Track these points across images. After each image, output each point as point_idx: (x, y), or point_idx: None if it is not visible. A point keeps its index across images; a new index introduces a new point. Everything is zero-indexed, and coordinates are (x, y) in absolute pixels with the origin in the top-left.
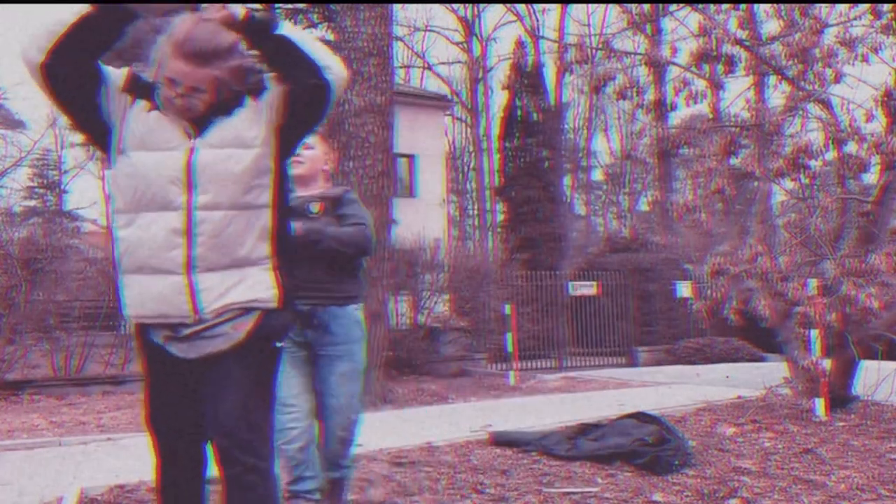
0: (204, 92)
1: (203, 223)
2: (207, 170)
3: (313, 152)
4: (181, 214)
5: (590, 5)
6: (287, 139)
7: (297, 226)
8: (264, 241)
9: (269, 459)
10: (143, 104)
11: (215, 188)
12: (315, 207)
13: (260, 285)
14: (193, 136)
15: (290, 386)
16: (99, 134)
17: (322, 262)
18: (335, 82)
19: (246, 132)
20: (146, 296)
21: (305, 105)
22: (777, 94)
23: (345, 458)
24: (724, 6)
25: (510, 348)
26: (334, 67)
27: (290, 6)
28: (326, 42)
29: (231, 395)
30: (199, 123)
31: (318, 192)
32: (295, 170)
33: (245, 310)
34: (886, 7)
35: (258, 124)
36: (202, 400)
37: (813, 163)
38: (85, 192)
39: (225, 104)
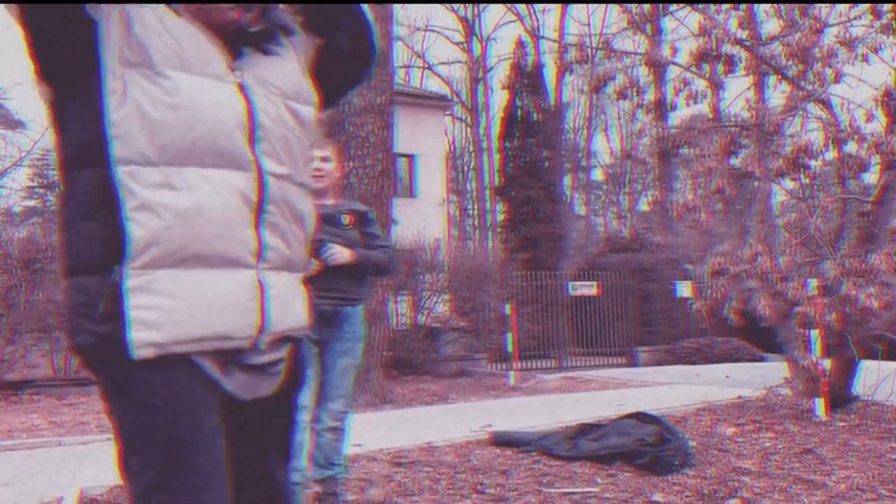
0: None
1: (273, 194)
2: (268, 119)
3: (332, 165)
4: (252, 177)
5: (590, 5)
6: None
7: (346, 251)
8: (306, 242)
9: None
10: (159, 8)
11: (281, 147)
12: (346, 219)
13: (304, 303)
14: (232, 68)
15: None
16: (70, 34)
17: (344, 270)
18: (377, 51)
19: (302, 80)
20: (200, 303)
21: (342, 71)
22: (777, 94)
23: (338, 455)
24: (724, 6)
25: (510, 348)
26: (377, 34)
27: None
28: None
29: (278, 448)
30: (233, 47)
31: (341, 203)
32: (316, 183)
33: (287, 337)
34: (886, 7)
35: (304, 75)
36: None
37: (813, 163)
38: None
39: (261, 30)
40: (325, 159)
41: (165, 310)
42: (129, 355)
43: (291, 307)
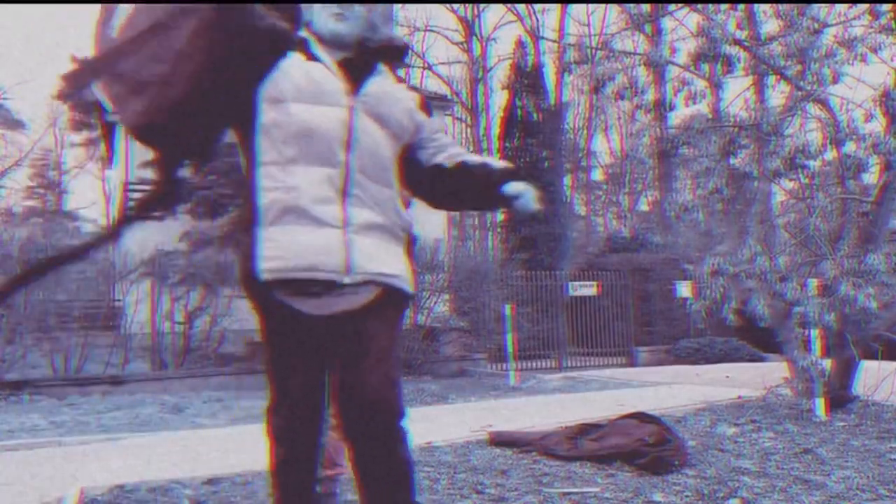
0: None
1: (358, 185)
2: (364, 136)
3: None
4: (340, 171)
5: (590, 5)
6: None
7: None
8: (402, 227)
9: (405, 418)
10: (296, 56)
11: (368, 154)
12: None
13: (402, 264)
14: (351, 93)
15: None
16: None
17: None
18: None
19: (395, 101)
20: (297, 246)
21: None
22: (776, 94)
23: (339, 455)
24: (724, 6)
25: (510, 348)
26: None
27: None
28: None
29: (372, 354)
30: (352, 72)
31: None
32: None
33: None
34: (885, 7)
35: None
36: (330, 361)
37: (811, 163)
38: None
39: (366, 59)
40: None
41: (270, 250)
42: (257, 277)
43: (377, 259)
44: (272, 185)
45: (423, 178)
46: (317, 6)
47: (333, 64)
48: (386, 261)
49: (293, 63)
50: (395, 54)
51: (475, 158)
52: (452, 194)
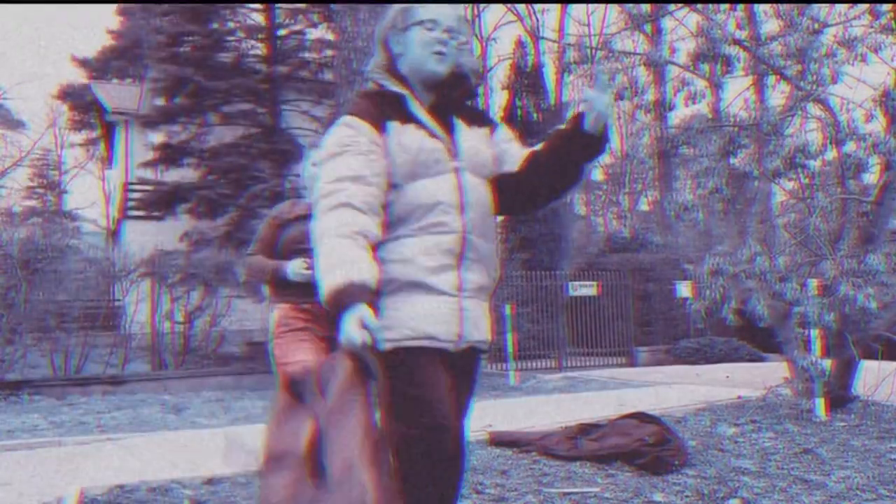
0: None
1: (472, 247)
2: (473, 195)
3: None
4: (457, 238)
5: (590, 5)
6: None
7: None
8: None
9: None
10: (397, 126)
11: (478, 212)
12: None
13: (488, 322)
14: (453, 153)
15: None
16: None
17: None
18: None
19: (482, 142)
20: (417, 316)
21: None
22: (776, 94)
23: None
24: (723, 6)
25: (510, 348)
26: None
27: (290, 6)
28: (326, 42)
29: (454, 408)
30: (442, 119)
31: None
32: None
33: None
34: (885, 7)
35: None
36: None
37: (811, 162)
38: (85, 193)
39: (447, 99)
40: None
41: (393, 318)
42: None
43: (479, 326)
44: (389, 256)
45: (505, 192)
46: (417, 47)
47: (431, 121)
48: (483, 326)
49: (397, 138)
50: (471, 84)
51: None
52: (533, 185)
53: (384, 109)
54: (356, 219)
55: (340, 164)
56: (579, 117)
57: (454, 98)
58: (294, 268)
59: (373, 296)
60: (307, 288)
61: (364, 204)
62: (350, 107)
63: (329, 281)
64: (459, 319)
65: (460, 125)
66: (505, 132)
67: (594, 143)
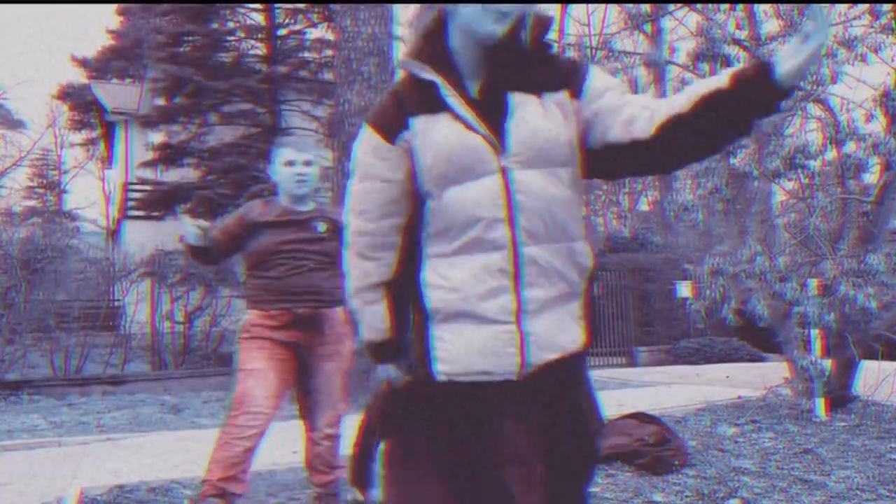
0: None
1: (531, 261)
2: (527, 198)
3: (314, 169)
4: (508, 254)
5: (590, 5)
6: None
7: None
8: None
9: None
10: (424, 121)
11: (540, 218)
12: (323, 227)
13: (579, 327)
14: (497, 148)
15: (266, 386)
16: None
17: (320, 269)
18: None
19: (557, 127)
20: (469, 349)
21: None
22: None
23: (336, 458)
24: (723, 6)
25: None
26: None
27: (290, 6)
28: (326, 42)
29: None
30: (487, 107)
31: (320, 210)
32: (300, 189)
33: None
34: (885, 7)
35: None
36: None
37: (811, 162)
38: (85, 193)
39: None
40: (307, 163)
41: (447, 351)
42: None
43: (554, 343)
44: (437, 281)
45: (626, 158)
46: (478, 6)
47: (468, 110)
48: (562, 339)
49: (424, 135)
50: (540, 34)
51: (693, 90)
52: (677, 150)
53: (409, 104)
54: (367, 268)
55: (359, 196)
56: (765, 66)
57: (511, 63)
58: (188, 226)
59: (394, 345)
60: (276, 295)
61: (375, 247)
62: (374, 108)
63: (360, 339)
64: (520, 347)
65: (520, 102)
66: (599, 81)
67: (779, 95)
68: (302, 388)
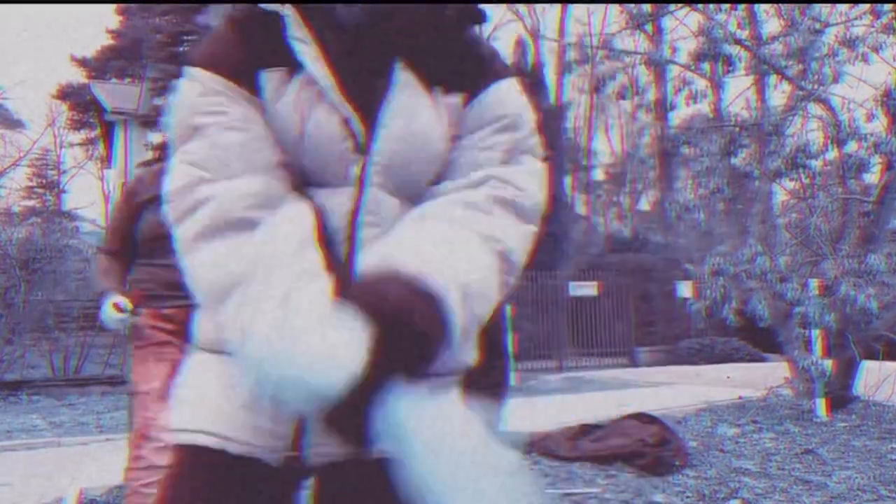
0: None
1: None
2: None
3: None
4: None
5: (590, 5)
6: None
7: None
8: None
9: None
10: (271, 81)
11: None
12: None
13: None
14: (361, 145)
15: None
16: None
17: None
18: None
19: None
20: None
21: None
22: (777, 94)
23: None
24: (724, 6)
25: (510, 348)
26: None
27: None
28: None
29: None
30: (378, 63)
31: None
32: None
33: None
34: (886, 7)
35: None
36: None
37: (813, 162)
38: (84, 192)
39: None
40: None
41: None
42: None
43: None
44: None
45: None
46: None
47: (329, 75)
48: None
49: (271, 104)
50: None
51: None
52: None
53: (254, 48)
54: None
55: (197, 151)
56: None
57: (407, 26)
58: (106, 312)
59: None
60: (171, 288)
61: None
62: (200, 46)
63: None
64: None
65: (405, 83)
66: (491, 111)
67: None
68: None
